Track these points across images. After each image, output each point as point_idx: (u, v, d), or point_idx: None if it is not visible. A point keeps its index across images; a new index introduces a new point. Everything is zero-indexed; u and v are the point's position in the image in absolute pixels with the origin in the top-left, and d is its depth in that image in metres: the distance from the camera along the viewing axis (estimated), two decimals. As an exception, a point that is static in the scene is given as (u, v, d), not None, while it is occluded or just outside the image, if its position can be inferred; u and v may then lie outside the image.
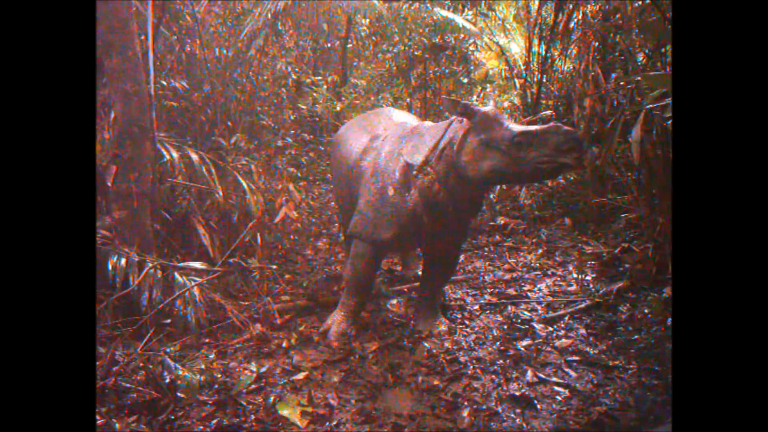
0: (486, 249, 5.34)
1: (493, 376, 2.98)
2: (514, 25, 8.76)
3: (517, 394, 2.79)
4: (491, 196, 6.21)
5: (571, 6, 6.37)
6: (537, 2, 7.45)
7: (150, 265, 3.33)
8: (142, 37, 3.80)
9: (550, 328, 3.56)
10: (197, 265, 3.66)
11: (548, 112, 6.51)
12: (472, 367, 3.08)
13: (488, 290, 4.31)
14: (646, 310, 3.61)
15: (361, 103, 7.82)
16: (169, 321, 3.32)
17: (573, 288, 4.21)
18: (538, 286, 4.37)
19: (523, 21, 8.13)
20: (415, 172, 3.15)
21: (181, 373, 2.72)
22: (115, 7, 3.35)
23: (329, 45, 8.61)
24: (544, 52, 7.11)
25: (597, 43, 5.68)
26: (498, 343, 3.38)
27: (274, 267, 4.27)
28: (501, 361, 3.14)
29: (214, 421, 2.53)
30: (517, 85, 8.07)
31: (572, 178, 5.93)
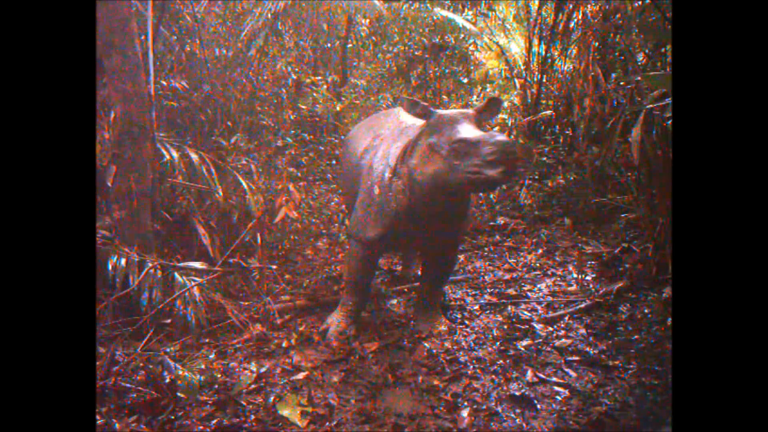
0: (486, 249, 5.34)
1: (493, 376, 2.98)
2: (514, 25, 8.75)
3: (517, 394, 2.79)
4: (491, 196, 6.21)
5: (571, 6, 6.37)
6: (537, 2, 7.45)
7: (150, 265, 3.33)
8: (142, 37, 3.80)
9: (550, 328, 3.56)
10: (197, 265, 3.66)
11: (548, 112, 6.53)
12: (472, 367, 3.08)
13: (488, 290, 4.30)
14: (646, 310, 3.61)
15: (362, 103, 7.82)
16: (169, 321, 3.32)
17: (573, 288, 4.21)
18: (538, 286, 4.37)
19: (523, 21, 8.13)
20: (389, 174, 3.13)
21: (181, 373, 2.72)
22: (115, 7, 3.35)
23: (329, 45, 8.61)
24: (544, 52, 7.11)
25: (597, 43, 5.68)
26: (498, 343, 3.38)
27: (274, 267, 4.27)
28: (501, 361, 3.14)
29: (214, 421, 2.53)
30: (517, 85, 8.06)
31: (572, 178, 5.93)
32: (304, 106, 7.29)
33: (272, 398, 2.72)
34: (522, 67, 7.87)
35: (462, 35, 7.74)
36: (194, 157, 4.16)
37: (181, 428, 2.49)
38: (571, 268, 4.65)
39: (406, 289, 4.28)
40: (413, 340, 3.43)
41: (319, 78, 7.62)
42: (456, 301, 4.07)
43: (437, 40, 7.62)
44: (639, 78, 4.14)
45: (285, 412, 2.57)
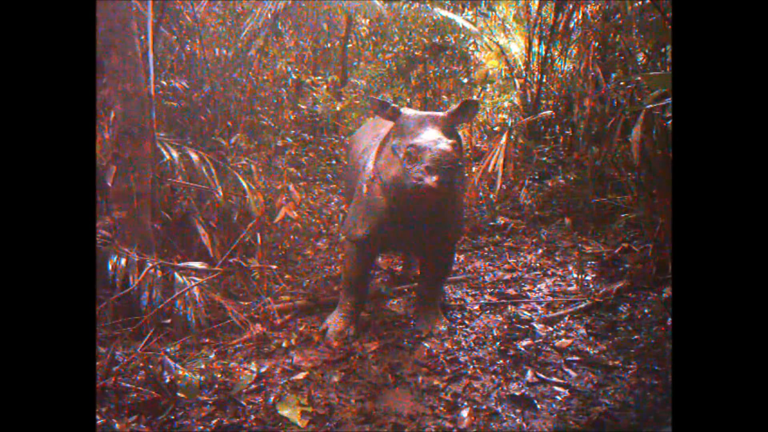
0: (486, 249, 5.34)
1: (493, 376, 2.98)
2: (514, 25, 8.76)
3: (517, 394, 2.79)
4: (491, 196, 6.21)
5: (571, 6, 6.37)
6: (537, 2, 7.45)
7: (150, 265, 3.33)
8: (142, 37, 3.80)
9: (550, 328, 3.55)
10: (197, 265, 3.66)
11: (548, 112, 6.53)
12: (472, 367, 3.08)
13: (488, 290, 4.30)
14: (646, 310, 3.61)
15: (361, 103, 7.82)
16: (169, 321, 3.32)
17: (573, 288, 4.21)
18: (538, 286, 4.37)
19: (523, 21, 8.14)
20: (372, 175, 3.12)
21: (181, 373, 2.71)
22: (115, 7, 3.35)
23: (329, 45, 8.60)
24: (544, 52, 7.11)
25: (597, 43, 5.68)
26: (498, 343, 3.37)
27: (274, 267, 4.26)
28: (501, 361, 3.13)
29: (214, 421, 2.53)
30: (517, 85, 8.07)
31: (572, 178, 5.94)
32: (304, 106, 7.29)
33: (272, 398, 2.72)
34: (522, 67, 7.87)
35: (462, 35, 7.73)
36: (194, 157, 4.16)
37: (181, 428, 2.49)
38: (571, 268, 4.65)
39: (406, 289, 4.28)
40: (413, 340, 3.43)
41: (319, 78, 7.62)
42: (456, 301, 4.07)
43: (437, 40, 7.62)
44: (639, 78, 4.15)
45: (285, 412, 2.57)
